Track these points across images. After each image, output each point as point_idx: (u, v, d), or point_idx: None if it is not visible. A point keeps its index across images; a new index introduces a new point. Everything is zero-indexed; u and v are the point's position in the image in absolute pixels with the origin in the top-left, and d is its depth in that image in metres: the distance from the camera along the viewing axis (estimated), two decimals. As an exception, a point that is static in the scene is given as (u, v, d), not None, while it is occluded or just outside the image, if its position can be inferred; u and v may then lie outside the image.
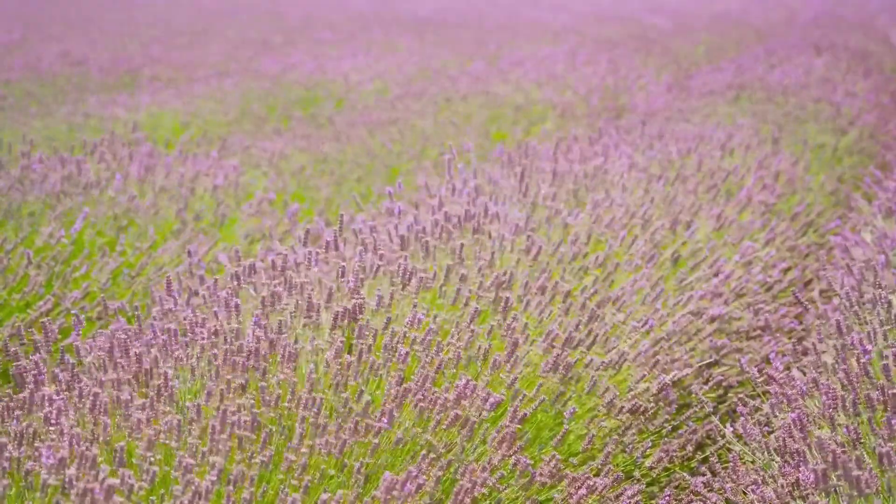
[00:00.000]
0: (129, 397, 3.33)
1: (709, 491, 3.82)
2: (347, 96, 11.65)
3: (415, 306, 3.96)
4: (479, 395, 3.53)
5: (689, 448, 4.31)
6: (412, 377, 3.60)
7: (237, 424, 3.21)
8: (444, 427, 3.47)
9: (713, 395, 4.73)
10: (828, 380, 3.85)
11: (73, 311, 3.87)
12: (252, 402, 3.40)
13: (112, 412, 3.32)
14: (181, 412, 3.42)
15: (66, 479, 2.91)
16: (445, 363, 3.77)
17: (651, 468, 4.17)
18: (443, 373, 3.74)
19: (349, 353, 3.65)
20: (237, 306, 3.80)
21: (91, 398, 3.27)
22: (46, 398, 3.23)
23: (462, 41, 17.00)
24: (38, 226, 5.65)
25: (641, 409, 4.12)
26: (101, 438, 3.23)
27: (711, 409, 4.57)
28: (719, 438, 4.36)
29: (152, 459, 3.12)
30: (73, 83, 12.45)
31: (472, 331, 3.93)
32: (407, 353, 3.65)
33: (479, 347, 3.88)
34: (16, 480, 3.06)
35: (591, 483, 3.58)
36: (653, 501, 4.15)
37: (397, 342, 3.71)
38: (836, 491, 3.22)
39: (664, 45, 16.52)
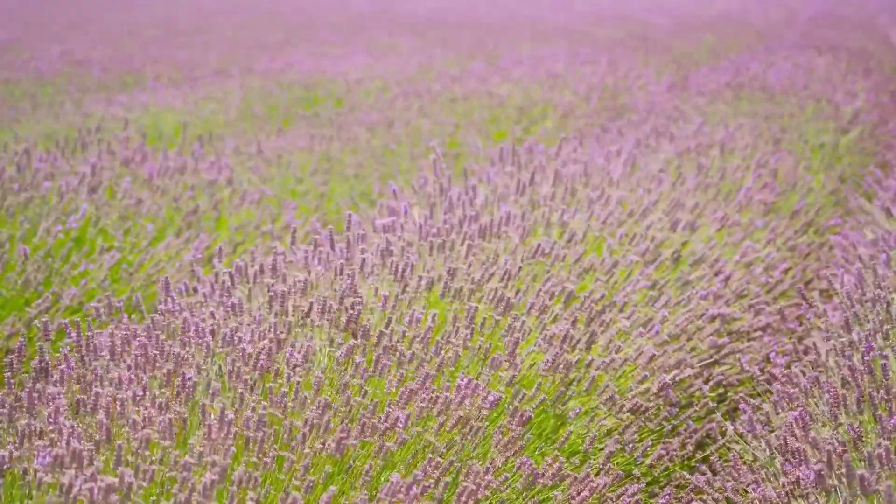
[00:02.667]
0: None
1: (709, 490, 3.82)
2: (348, 96, 11.65)
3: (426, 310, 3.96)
4: (480, 395, 3.53)
5: (690, 447, 4.31)
6: (412, 377, 3.60)
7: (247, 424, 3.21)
8: (447, 429, 3.47)
9: (713, 394, 4.73)
10: (828, 379, 3.86)
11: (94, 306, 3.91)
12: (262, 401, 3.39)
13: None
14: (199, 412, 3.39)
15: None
16: (445, 362, 3.77)
17: (651, 467, 4.17)
18: (443, 371, 3.74)
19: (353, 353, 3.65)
20: (271, 299, 3.87)
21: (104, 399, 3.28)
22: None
23: (462, 41, 17.00)
24: (37, 225, 5.65)
25: (642, 408, 4.12)
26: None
27: (712, 409, 4.58)
28: (720, 437, 4.36)
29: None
30: (74, 83, 12.45)
31: (471, 329, 3.93)
32: (413, 355, 3.65)
33: (480, 346, 3.88)
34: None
35: (594, 484, 3.58)
36: (653, 500, 4.15)
37: (397, 341, 3.71)
38: (836, 490, 3.22)
39: (664, 44, 16.53)
